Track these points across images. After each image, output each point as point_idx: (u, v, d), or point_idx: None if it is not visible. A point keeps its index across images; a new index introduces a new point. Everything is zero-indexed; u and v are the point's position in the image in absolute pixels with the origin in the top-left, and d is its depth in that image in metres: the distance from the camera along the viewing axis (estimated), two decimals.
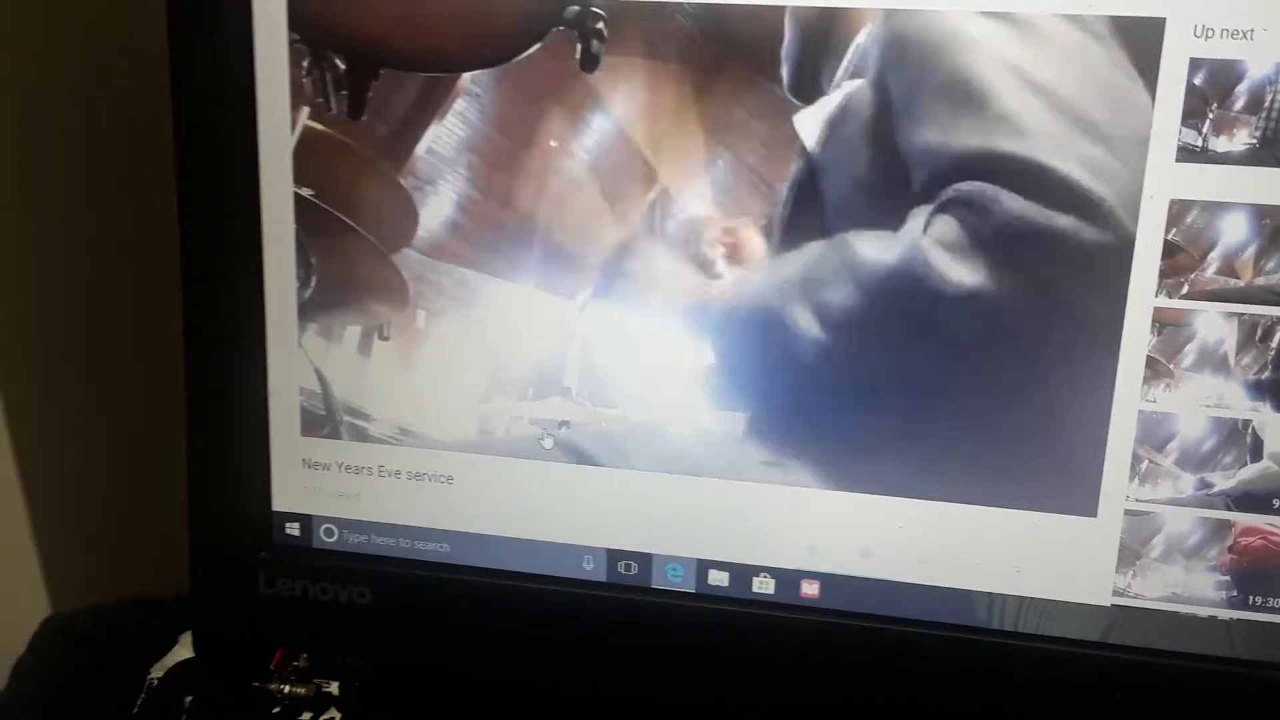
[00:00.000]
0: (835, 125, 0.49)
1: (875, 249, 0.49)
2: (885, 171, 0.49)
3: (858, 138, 0.49)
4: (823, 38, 0.49)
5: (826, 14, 0.48)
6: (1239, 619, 0.51)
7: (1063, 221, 0.47)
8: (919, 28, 0.47)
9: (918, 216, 0.49)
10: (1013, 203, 0.48)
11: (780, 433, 0.53)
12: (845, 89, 0.49)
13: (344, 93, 0.53)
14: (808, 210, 0.50)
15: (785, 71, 0.49)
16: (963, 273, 0.49)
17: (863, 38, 0.48)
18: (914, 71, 0.48)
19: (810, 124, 0.49)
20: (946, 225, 0.48)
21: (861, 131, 0.49)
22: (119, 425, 0.68)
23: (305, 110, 0.54)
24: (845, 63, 0.49)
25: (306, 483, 0.58)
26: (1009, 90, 0.47)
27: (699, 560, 0.55)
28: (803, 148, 0.50)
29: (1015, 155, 0.47)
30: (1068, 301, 0.48)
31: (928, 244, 0.49)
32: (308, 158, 0.54)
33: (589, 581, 0.56)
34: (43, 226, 0.67)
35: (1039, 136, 0.47)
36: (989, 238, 0.48)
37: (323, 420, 0.57)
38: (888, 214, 0.49)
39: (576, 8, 0.50)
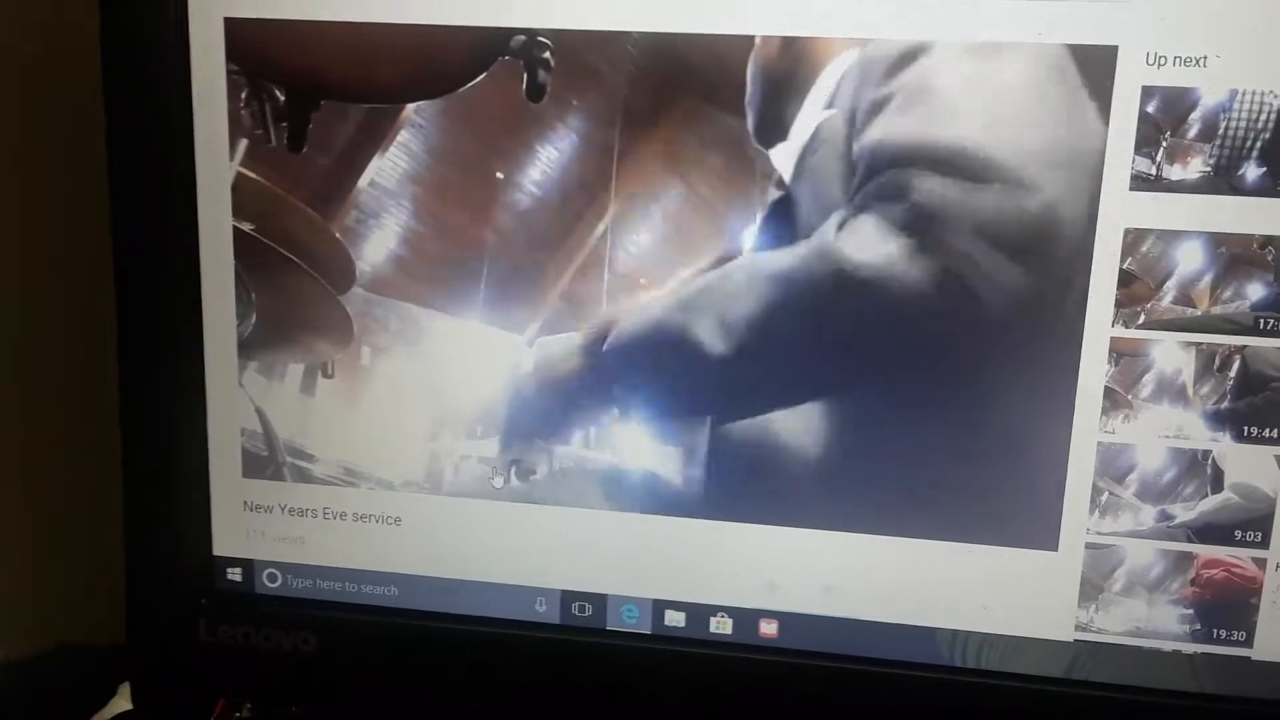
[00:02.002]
0: (806, 154, 0.48)
1: (826, 279, 0.49)
2: (842, 185, 0.48)
3: (824, 161, 0.48)
4: (785, 77, 0.48)
5: (787, 53, 0.47)
6: (1203, 653, 0.50)
7: (1018, 247, 0.47)
8: (875, 58, 0.47)
9: (866, 241, 0.48)
10: (965, 220, 0.47)
11: (737, 468, 0.51)
12: (817, 119, 0.48)
13: (284, 125, 0.52)
14: (763, 240, 0.49)
15: (750, 115, 0.48)
16: (919, 300, 0.48)
17: (832, 72, 0.47)
18: (872, 95, 0.47)
19: (785, 156, 0.48)
20: (897, 242, 0.48)
21: (828, 155, 0.48)
22: (52, 467, 0.66)
23: (244, 143, 0.52)
24: (814, 95, 0.48)
25: (248, 526, 0.56)
26: (962, 119, 0.46)
27: (654, 600, 0.54)
28: (762, 175, 0.49)
29: (965, 163, 0.47)
30: (1025, 332, 0.48)
31: (877, 267, 0.48)
32: (247, 191, 0.52)
33: (542, 624, 0.55)
34: None
35: (990, 165, 0.46)
36: (943, 256, 0.47)
37: (265, 461, 0.55)
38: (830, 237, 0.48)
39: (522, 37, 0.49)
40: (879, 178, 0.47)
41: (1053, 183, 0.46)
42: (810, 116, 0.48)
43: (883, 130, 0.47)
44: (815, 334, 0.49)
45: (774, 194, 0.49)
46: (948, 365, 0.49)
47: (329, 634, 0.56)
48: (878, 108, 0.47)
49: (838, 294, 0.49)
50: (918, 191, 0.47)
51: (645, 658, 0.54)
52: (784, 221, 0.49)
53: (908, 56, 0.46)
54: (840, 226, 0.48)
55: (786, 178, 0.49)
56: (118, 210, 0.53)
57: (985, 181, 0.46)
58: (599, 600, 0.54)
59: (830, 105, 0.48)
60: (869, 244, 0.48)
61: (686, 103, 0.49)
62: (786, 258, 0.49)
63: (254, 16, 0.51)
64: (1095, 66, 0.45)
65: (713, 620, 0.54)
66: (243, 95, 0.52)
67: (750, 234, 0.49)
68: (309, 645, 0.56)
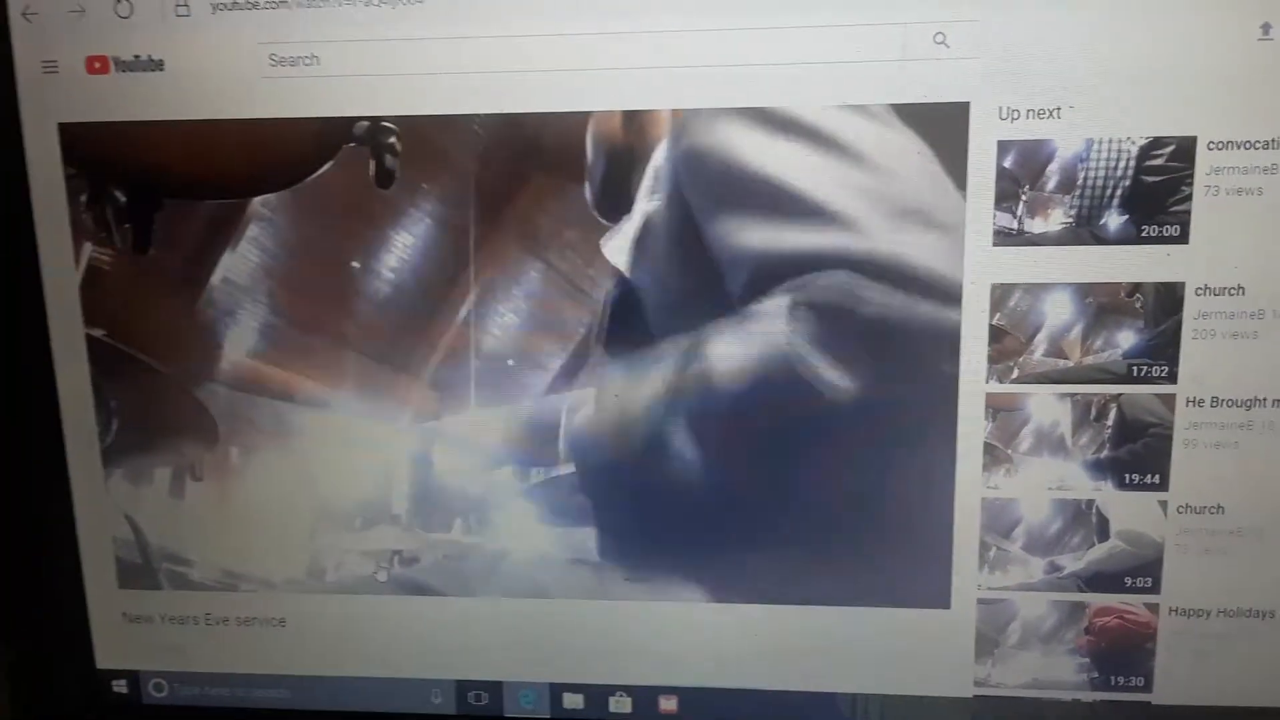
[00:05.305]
0: (641, 244, 0.47)
1: (708, 355, 0.47)
2: (699, 279, 0.47)
3: (665, 251, 0.47)
4: (622, 155, 0.46)
5: (624, 129, 0.46)
6: (1103, 700, 0.49)
7: (893, 308, 0.46)
8: (711, 134, 0.45)
9: (745, 318, 0.47)
10: (847, 298, 0.46)
11: (624, 547, 0.50)
12: (644, 208, 0.47)
13: (127, 226, 0.50)
14: (628, 318, 0.48)
15: (589, 189, 0.47)
16: (807, 372, 0.47)
17: (659, 157, 0.46)
18: (715, 181, 0.46)
19: (617, 249, 0.47)
20: (786, 325, 0.46)
21: (668, 245, 0.47)
22: None
23: (88, 247, 0.50)
24: (646, 180, 0.46)
25: (130, 637, 0.54)
26: (821, 186, 0.45)
27: (552, 685, 0.53)
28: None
29: (837, 252, 0.46)
30: (902, 394, 0.47)
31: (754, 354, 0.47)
32: (96, 296, 0.50)
33: (439, 716, 0.53)
34: None
35: (857, 231, 0.45)
36: (821, 336, 0.46)
37: (140, 569, 0.53)
38: (707, 318, 0.47)
39: (366, 123, 0.47)
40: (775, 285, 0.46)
41: (914, 244, 0.45)
42: (640, 205, 0.47)
43: (755, 232, 0.46)
44: (692, 411, 0.48)
45: (616, 273, 0.48)
46: (828, 433, 0.47)
47: None
48: (725, 199, 0.46)
49: (716, 374, 0.47)
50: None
51: None
52: (632, 301, 0.48)
53: (741, 138, 0.45)
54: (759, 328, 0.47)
55: (623, 267, 0.47)
56: None
57: (851, 256, 0.45)
58: (495, 688, 0.53)
59: (655, 193, 0.46)
60: (788, 342, 0.47)
61: (538, 180, 0.47)
62: (706, 354, 0.48)
63: (88, 120, 0.48)
64: (948, 124, 0.44)
65: (612, 700, 0.52)
66: (83, 199, 0.50)
67: (611, 313, 0.48)
68: None
